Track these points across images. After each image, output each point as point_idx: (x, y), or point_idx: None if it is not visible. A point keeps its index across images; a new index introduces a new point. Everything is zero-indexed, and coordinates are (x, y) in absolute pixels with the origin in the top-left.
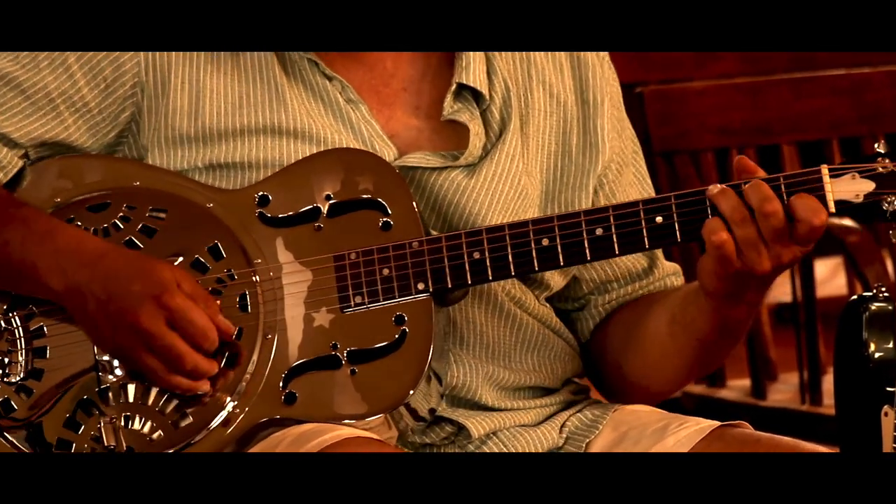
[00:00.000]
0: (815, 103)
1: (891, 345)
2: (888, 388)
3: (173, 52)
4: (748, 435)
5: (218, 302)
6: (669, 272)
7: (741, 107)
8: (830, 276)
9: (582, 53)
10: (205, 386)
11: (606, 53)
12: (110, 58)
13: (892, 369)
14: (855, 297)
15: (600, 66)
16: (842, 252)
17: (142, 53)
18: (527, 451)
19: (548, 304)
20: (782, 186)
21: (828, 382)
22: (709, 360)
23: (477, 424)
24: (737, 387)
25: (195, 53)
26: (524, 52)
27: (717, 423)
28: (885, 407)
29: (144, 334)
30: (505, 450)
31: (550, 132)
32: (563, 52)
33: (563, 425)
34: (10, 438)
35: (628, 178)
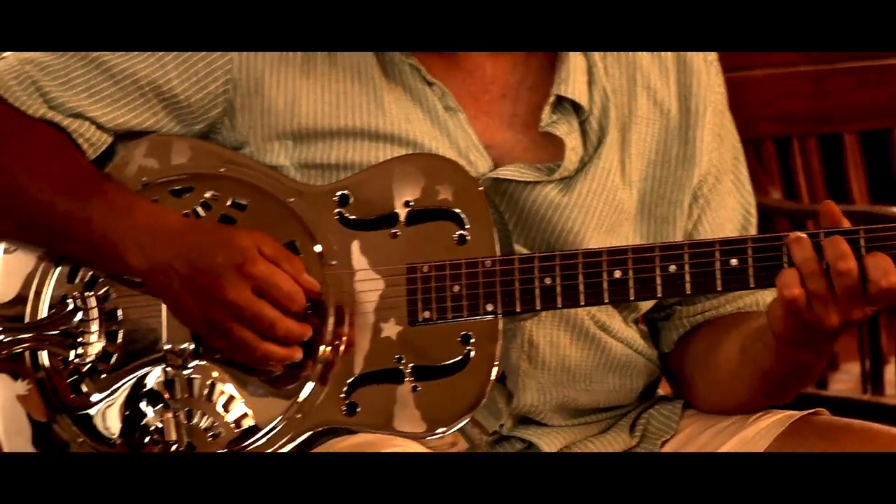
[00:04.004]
0: (878, 92)
1: None
2: None
3: (268, 52)
4: (834, 421)
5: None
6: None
7: (803, 95)
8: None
9: (688, 57)
10: (298, 354)
11: (715, 56)
12: (203, 55)
13: None
14: None
15: (706, 73)
16: None
17: (235, 52)
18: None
19: (633, 325)
20: (861, 241)
21: (890, 372)
22: (777, 393)
23: (548, 442)
24: None
25: (290, 53)
26: (629, 56)
27: (796, 413)
28: None
29: (232, 306)
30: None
31: (652, 140)
32: (670, 55)
33: (634, 425)
34: (77, 421)
35: (726, 187)
